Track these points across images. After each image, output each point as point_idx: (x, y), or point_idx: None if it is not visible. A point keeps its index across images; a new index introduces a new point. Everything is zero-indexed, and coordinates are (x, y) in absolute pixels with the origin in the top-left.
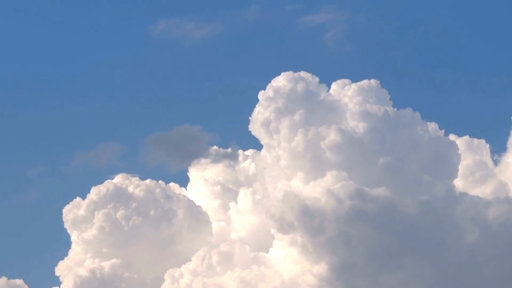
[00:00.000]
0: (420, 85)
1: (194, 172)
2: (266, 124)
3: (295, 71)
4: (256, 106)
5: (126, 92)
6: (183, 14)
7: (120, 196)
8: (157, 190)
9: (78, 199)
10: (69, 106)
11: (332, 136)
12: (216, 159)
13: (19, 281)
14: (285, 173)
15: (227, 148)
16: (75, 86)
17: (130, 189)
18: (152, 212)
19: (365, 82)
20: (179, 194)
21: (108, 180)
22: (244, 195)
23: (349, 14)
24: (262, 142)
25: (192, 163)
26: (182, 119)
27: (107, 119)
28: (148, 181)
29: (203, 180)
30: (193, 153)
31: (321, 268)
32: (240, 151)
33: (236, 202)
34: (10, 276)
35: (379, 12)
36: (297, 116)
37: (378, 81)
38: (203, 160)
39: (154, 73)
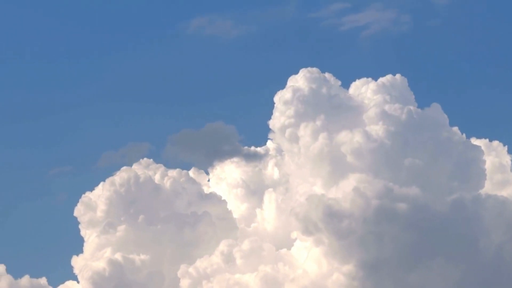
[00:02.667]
0: (444, 86)
1: (217, 172)
2: (285, 131)
3: (323, 71)
4: (274, 111)
5: (158, 89)
6: (220, 11)
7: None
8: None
9: (87, 194)
10: (101, 104)
11: (354, 140)
12: (242, 160)
13: (42, 281)
14: (309, 181)
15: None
16: (107, 84)
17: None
18: (178, 210)
19: (388, 78)
20: (210, 192)
21: (125, 167)
22: (269, 197)
23: (396, 13)
24: (283, 149)
25: (215, 163)
26: (215, 118)
27: (138, 118)
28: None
29: (225, 181)
30: (219, 153)
31: (349, 268)
32: (267, 153)
33: (260, 206)
34: (33, 275)
35: (425, 12)
36: (318, 121)
37: (405, 78)
38: (227, 160)
39: (188, 70)
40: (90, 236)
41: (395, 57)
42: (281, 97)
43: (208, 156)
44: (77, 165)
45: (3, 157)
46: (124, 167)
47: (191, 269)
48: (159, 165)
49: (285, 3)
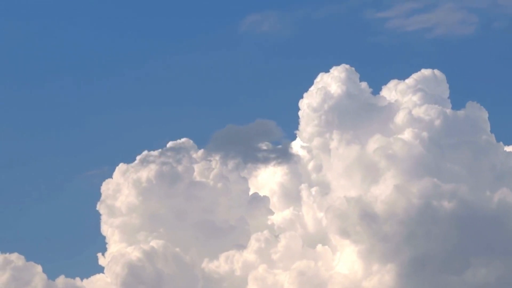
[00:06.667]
0: (485, 89)
1: (255, 173)
2: (316, 139)
3: (362, 77)
4: (300, 120)
5: (206, 86)
6: (275, 8)
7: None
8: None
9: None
10: (152, 102)
11: (389, 145)
12: (279, 160)
13: (77, 282)
14: (343, 189)
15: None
16: (153, 81)
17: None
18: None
19: (425, 74)
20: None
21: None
22: (306, 199)
23: (464, 14)
24: (318, 155)
25: (254, 163)
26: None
27: (182, 117)
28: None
29: (262, 183)
30: (258, 152)
31: (391, 266)
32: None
33: (298, 208)
34: (68, 275)
35: (492, 13)
36: (349, 130)
37: (443, 74)
38: (266, 160)
39: (241, 67)
40: (114, 231)
41: (448, 59)
42: (309, 104)
43: (248, 154)
44: (115, 166)
45: (40, 158)
46: (145, 152)
47: (226, 266)
48: (200, 151)
49: (349, 2)
